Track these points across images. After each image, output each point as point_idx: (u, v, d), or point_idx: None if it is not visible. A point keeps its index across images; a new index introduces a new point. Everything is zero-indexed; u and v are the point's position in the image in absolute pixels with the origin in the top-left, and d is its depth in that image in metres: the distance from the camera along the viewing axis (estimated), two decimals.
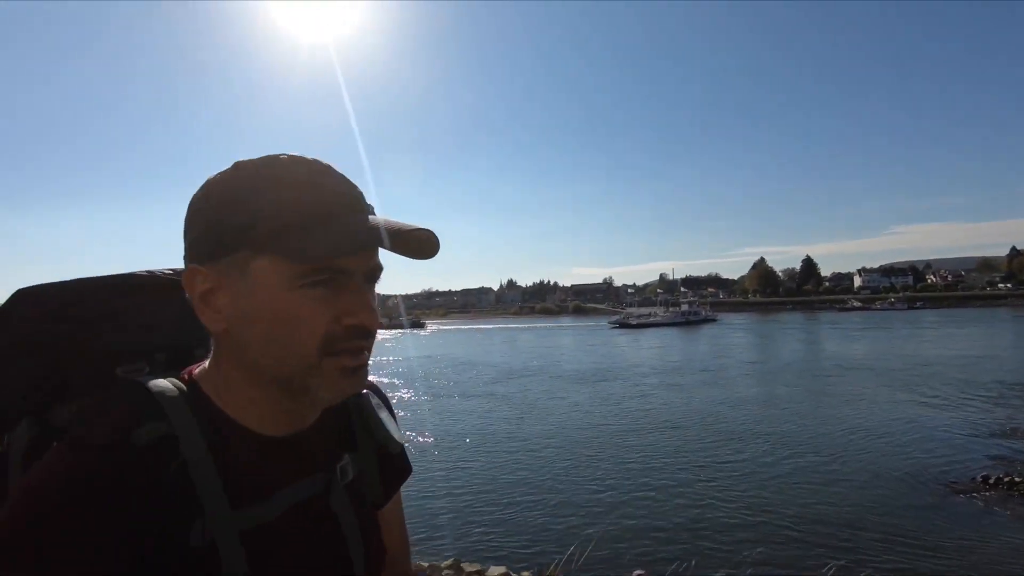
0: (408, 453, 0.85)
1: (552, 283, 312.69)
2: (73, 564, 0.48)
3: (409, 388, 23.35)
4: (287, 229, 0.53)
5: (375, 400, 0.75)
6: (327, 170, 0.58)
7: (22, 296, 0.69)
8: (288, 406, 0.61)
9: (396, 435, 0.74)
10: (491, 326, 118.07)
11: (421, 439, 13.73)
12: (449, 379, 25.85)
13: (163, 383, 0.59)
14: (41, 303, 0.69)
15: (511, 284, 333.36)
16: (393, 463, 0.80)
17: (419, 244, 0.58)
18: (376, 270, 0.60)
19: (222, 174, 0.58)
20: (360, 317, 0.56)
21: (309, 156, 0.59)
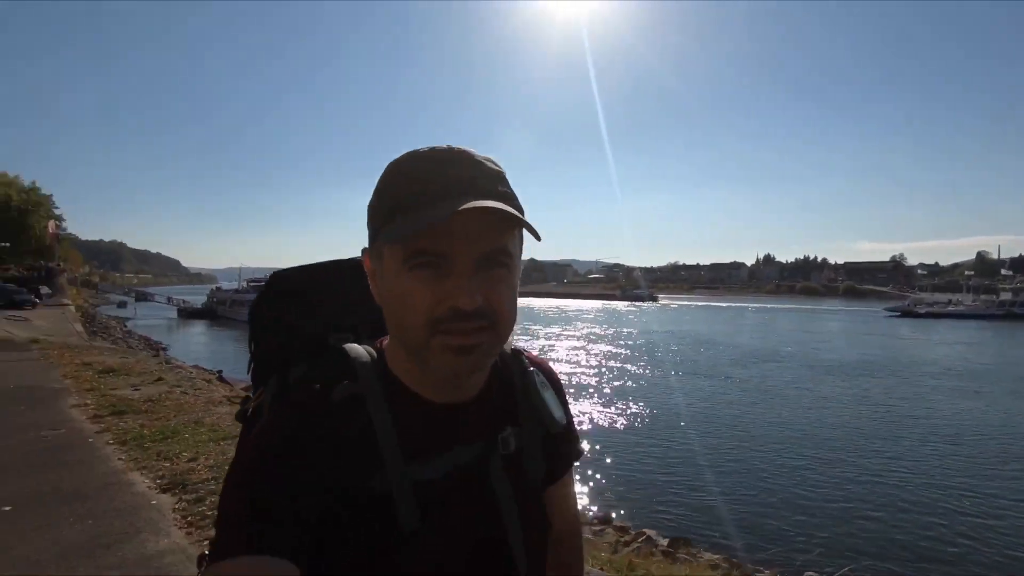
0: (582, 436, 0.92)
1: (819, 259, 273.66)
2: (279, 506, 0.55)
3: (640, 361, 23.08)
4: (398, 215, 0.59)
5: (540, 378, 0.78)
6: (456, 155, 0.61)
7: (274, 278, 0.85)
8: (428, 376, 0.65)
9: (557, 414, 0.76)
10: (741, 304, 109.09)
11: (640, 413, 13.48)
12: (685, 356, 24.91)
13: (359, 349, 0.69)
14: (283, 285, 0.84)
15: (768, 259, 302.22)
16: (560, 444, 0.81)
17: (492, 220, 0.59)
18: (496, 254, 0.60)
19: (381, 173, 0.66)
20: (456, 300, 0.57)
21: (444, 145, 0.62)
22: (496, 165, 0.64)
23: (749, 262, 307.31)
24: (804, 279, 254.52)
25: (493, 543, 0.68)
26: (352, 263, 0.79)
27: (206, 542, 3.17)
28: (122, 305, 54.35)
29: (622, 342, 30.72)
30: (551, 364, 0.87)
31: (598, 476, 9.08)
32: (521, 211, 0.62)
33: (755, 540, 6.83)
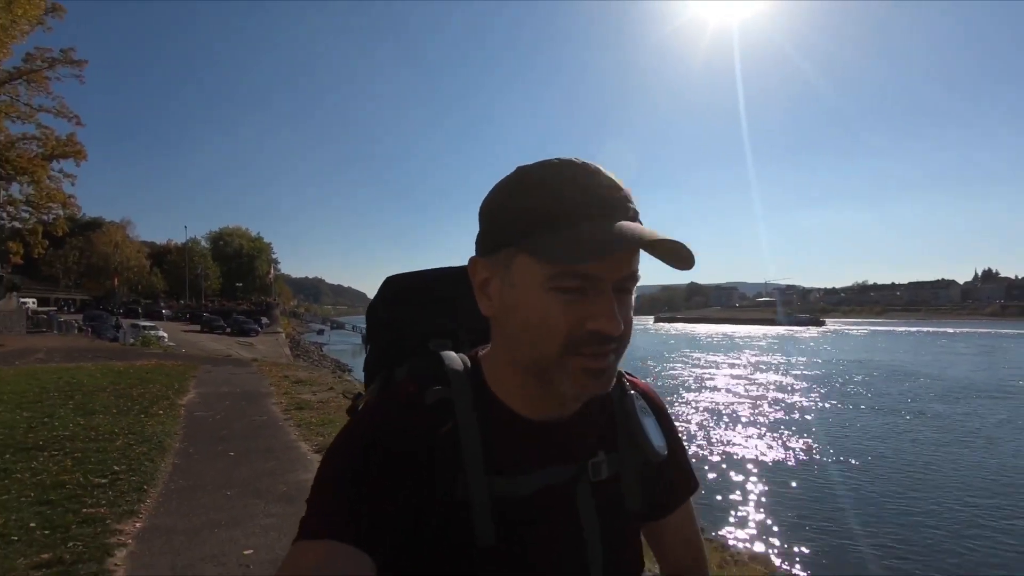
0: (697, 469, 0.86)
1: None
2: (361, 495, 0.57)
3: (815, 393, 20.76)
4: (538, 230, 0.57)
5: (641, 403, 0.74)
6: (590, 173, 0.59)
7: (386, 283, 0.89)
8: (542, 393, 0.64)
9: (657, 443, 0.71)
10: (951, 329, 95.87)
11: (812, 447, 12.25)
12: (871, 389, 21.93)
13: (453, 356, 0.69)
14: (393, 289, 0.88)
15: (988, 275, 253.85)
16: (666, 475, 0.77)
17: (671, 256, 0.58)
18: (629, 279, 0.60)
19: (506, 178, 0.63)
20: (601, 323, 0.56)
21: (581, 160, 0.61)
22: (622, 184, 0.62)
23: (961, 279, 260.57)
24: None
25: (573, 572, 0.66)
26: (461, 272, 0.79)
27: None
28: (320, 332, 64.39)
29: (791, 370, 28.15)
30: (656, 389, 0.82)
31: (750, 517, 8.30)
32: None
33: None
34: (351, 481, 0.58)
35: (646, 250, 0.58)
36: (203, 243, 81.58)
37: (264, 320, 49.36)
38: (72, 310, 51.28)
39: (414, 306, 0.83)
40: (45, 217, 29.14)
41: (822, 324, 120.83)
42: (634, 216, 0.60)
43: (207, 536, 3.72)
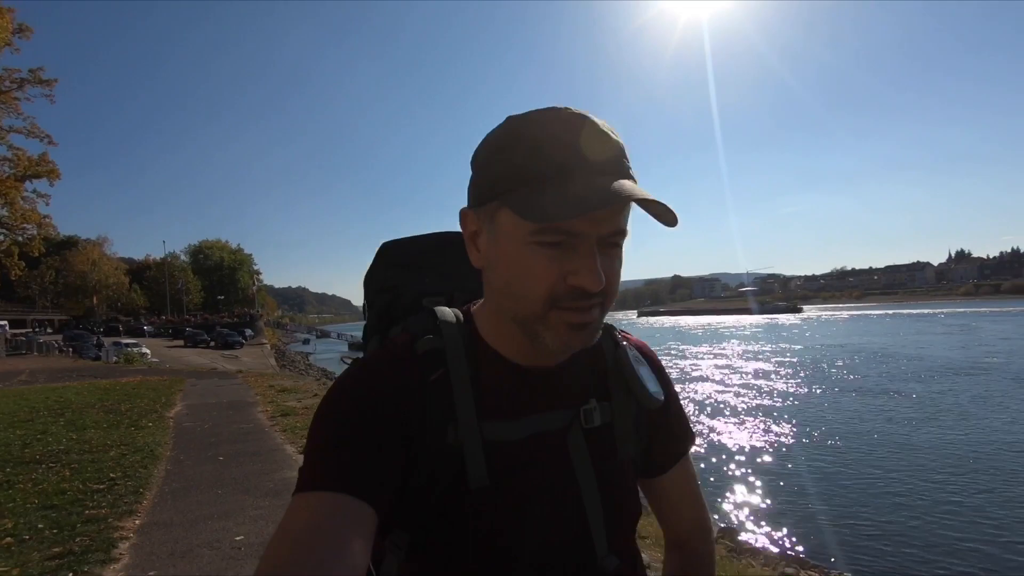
0: (693, 421, 1.35)
1: None
2: (356, 442, 0.57)
3: (796, 377, 21.18)
4: (524, 184, 0.57)
5: (634, 354, 0.75)
6: (581, 125, 0.58)
7: (382, 249, 0.90)
8: (530, 343, 0.63)
9: (652, 389, 0.72)
10: (927, 311, 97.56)
11: (792, 431, 12.55)
12: (852, 371, 22.30)
13: (446, 310, 0.71)
14: (389, 254, 0.89)
15: (961, 256, 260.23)
16: (663, 427, 0.78)
17: (656, 213, 0.57)
18: (614, 234, 0.59)
19: (495, 129, 0.63)
20: (582, 278, 0.56)
21: (576, 109, 0.59)
22: (617, 136, 0.61)
23: (935, 261, 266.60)
24: (1013, 276, 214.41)
25: (569, 517, 0.67)
26: (456, 236, 0.78)
27: None
28: (306, 342, 63.90)
29: (772, 358, 28.55)
30: (647, 344, 0.82)
31: (739, 496, 8.58)
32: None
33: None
34: (346, 432, 0.58)
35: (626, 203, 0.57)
36: (183, 257, 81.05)
37: (248, 332, 49.25)
38: (50, 331, 50.59)
39: (410, 269, 0.86)
40: (19, 237, 29.02)
41: (799, 311, 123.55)
42: (622, 171, 0.59)
43: (201, 527, 4.12)
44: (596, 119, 0.59)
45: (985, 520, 7.38)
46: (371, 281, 0.88)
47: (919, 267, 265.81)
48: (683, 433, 0.81)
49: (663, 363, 0.82)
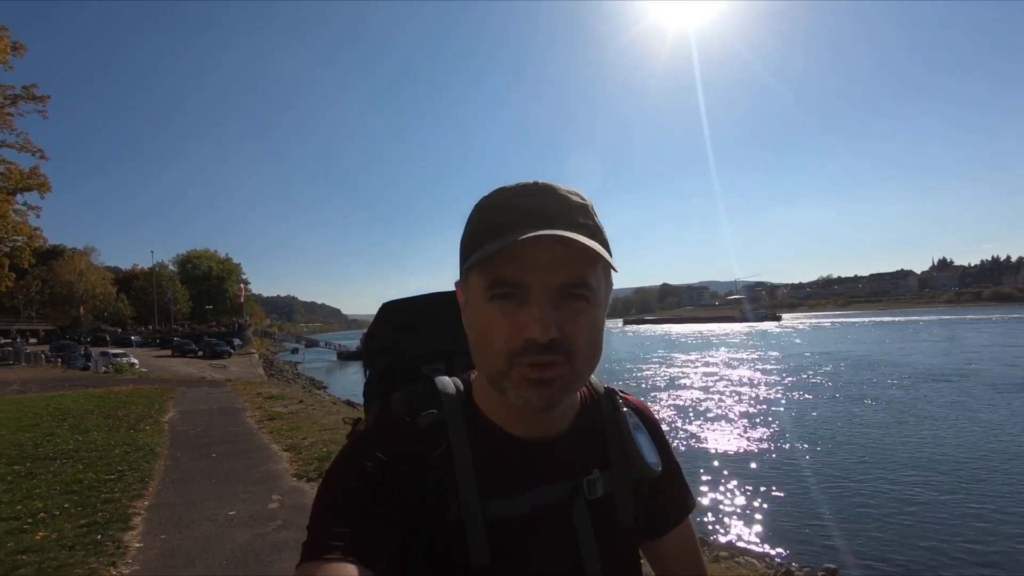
0: (692, 486, 0.83)
1: (1012, 260, 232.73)
2: (362, 513, 0.57)
3: (781, 385, 21.63)
4: (475, 247, 0.62)
5: (634, 420, 0.74)
6: (538, 188, 0.62)
7: (383, 309, 0.91)
8: (519, 410, 0.63)
9: (650, 460, 0.71)
10: (910, 318, 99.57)
11: (773, 435, 12.86)
12: (837, 378, 22.74)
13: (446, 380, 0.71)
14: (389, 315, 0.90)
15: (943, 264, 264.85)
16: (661, 493, 0.78)
17: (578, 252, 0.58)
18: (572, 286, 0.59)
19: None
20: (531, 331, 0.56)
21: (531, 181, 0.63)
22: (581, 198, 0.63)
23: (919, 269, 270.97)
24: (993, 284, 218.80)
25: None
26: (453, 295, 0.77)
27: (298, 465, 6.38)
28: (295, 351, 64.10)
29: (758, 366, 29.10)
30: (649, 405, 0.83)
31: (733, 506, 8.59)
32: (605, 244, 0.63)
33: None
34: (350, 504, 0.58)
35: (546, 242, 0.57)
36: (171, 267, 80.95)
37: (237, 341, 49.53)
38: (34, 341, 50.62)
39: (410, 331, 0.86)
40: (7, 248, 29.49)
41: (779, 319, 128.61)
42: (568, 223, 0.60)
43: (200, 507, 4.97)
44: (559, 186, 0.63)
45: (969, 517, 7.61)
46: (371, 341, 0.89)
47: (903, 275, 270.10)
48: (682, 497, 0.82)
49: (659, 421, 0.83)
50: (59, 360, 32.21)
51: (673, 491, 0.80)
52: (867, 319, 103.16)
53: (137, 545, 4.10)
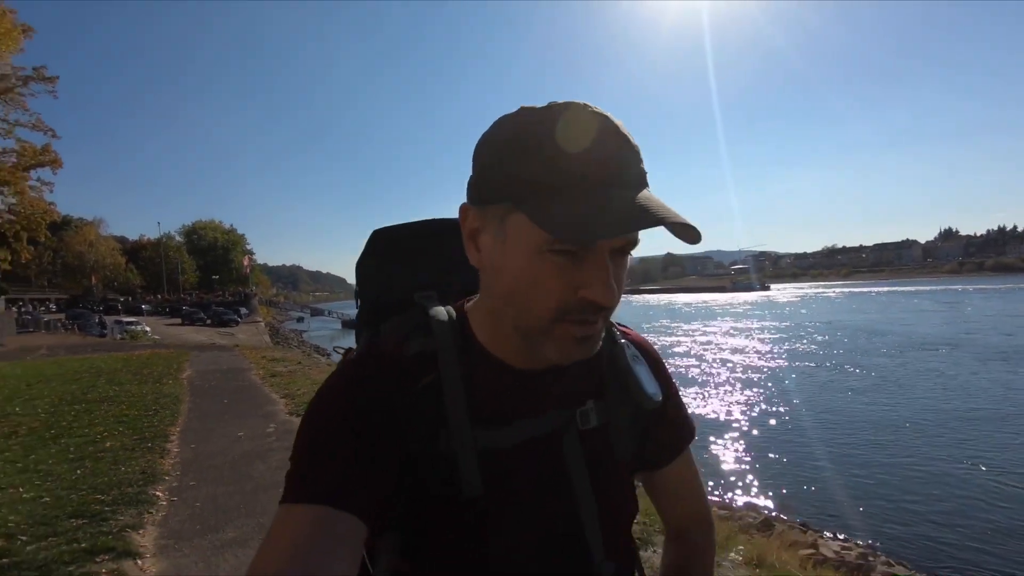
0: (693, 416, 0.81)
1: (1018, 229, 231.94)
2: (346, 460, 0.56)
3: (780, 353, 22.24)
4: (544, 191, 0.52)
5: (632, 351, 0.73)
6: (603, 129, 0.54)
7: (373, 236, 0.85)
8: (528, 348, 0.61)
9: (650, 390, 0.70)
10: (913, 288, 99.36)
11: (781, 401, 13.35)
12: (839, 347, 23.15)
13: (438, 308, 0.68)
14: (380, 243, 0.85)
15: (948, 234, 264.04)
16: (661, 424, 0.76)
17: (681, 234, 0.54)
18: (628, 244, 0.57)
19: (507, 118, 0.57)
20: (595, 292, 0.54)
21: (595, 108, 0.55)
22: (634, 139, 0.56)
23: (922, 239, 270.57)
24: (997, 254, 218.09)
25: (564, 523, 0.66)
26: (450, 224, 0.75)
27: (291, 406, 8.24)
28: (300, 320, 66.04)
29: (757, 334, 29.99)
30: (649, 339, 0.79)
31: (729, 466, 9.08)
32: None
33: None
34: (333, 440, 0.57)
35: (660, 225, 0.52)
36: (177, 238, 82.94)
37: (243, 310, 51.48)
38: (54, 308, 52.84)
39: (402, 259, 0.82)
40: (24, 222, 31.35)
41: (767, 289, 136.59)
42: (644, 182, 0.56)
43: (217, 431, 6.85)
44: (616, 121, 0.55)
45: (964, 487, 7.82)
46: (361, 270, 0.85)
47: (907, 245, 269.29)
48: (682, 428, 0.80)
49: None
50: (76, 327, 34.37)
51: (673, 421, 0.79)
52: (865, 289, 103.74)
53: (176, 449, 6.00)
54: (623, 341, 0.74)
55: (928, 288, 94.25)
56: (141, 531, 3.80)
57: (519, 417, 0.64)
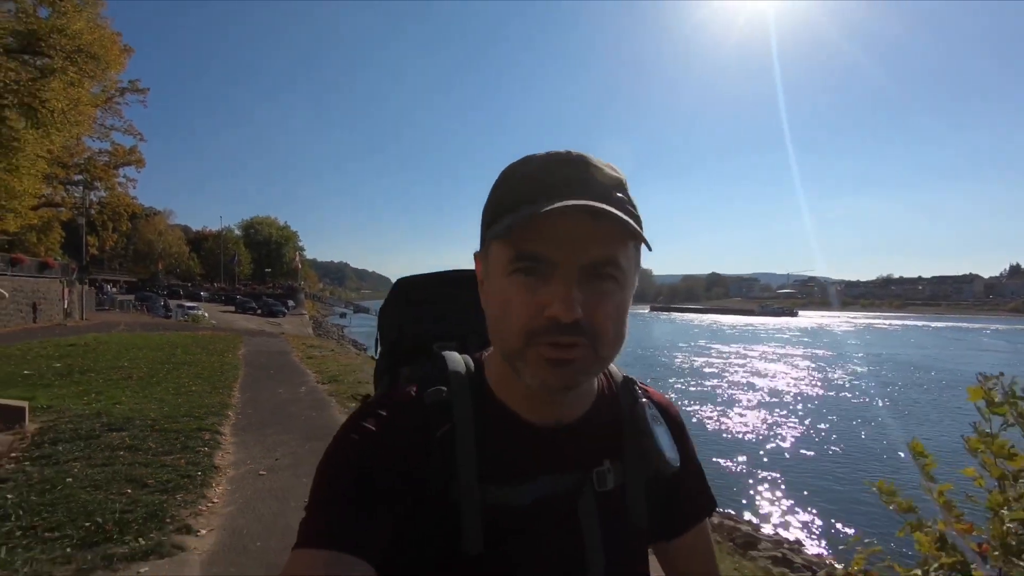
0: (712, 486, 0.78)
1: None
2: (359, 506, 0.56)
3: (814, 383, 22.33)
4: (498, 216, 0.58)
5: (652, 411, 0.70)
6: (570, 158, 0.58)
7: (398, 284, 0.90)
8: (536, 393, 0.60)
9: (669, 454, 0.66)
10: (971, 325, 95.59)
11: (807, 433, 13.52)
12: (883, 382, 23.51)
13: (455, 357, 0.68)
14: (400, 292, 0.89)
15: (1015, 270, 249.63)
16: (679, 491, 0.74)
17: (617, 224, 0.54)
18: (600, 264, 0.55)
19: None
20: (554, 310, 0.53)
21: (563, 150, 0.59)
22: (616, 171, 0.59)
23: (986, 274, 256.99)
24: None
25: None
26: (471, 274, 0.72)
27: (325, 386, 10.83)
28: (343, 315, 68.76)
29: (785, 363, 29.88)
30: (671, 400, 0.78)
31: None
32: (637, 220, 0.58)
33: None
34: (347, 487, 0.57)
35: (586, 213, 0.53)
36: (236, 231, 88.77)
37: (291, 303, 55.08)
38: (126, 290, 57.80)
39: (424, 307, 0.84)
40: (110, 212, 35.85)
41: (795, 315, 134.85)
42: (602, 195, 0.56)
43: (264, 389, 9.52)
44: (592, 157, 0.58)
45: None
46: (384, 316, 0.89)
47: (968, 279, 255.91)
48: (701, 497, 0.77)
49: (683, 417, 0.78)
50: (144, 308, 38.51)
51: (692, 490, 0.76)
52: (913, 323, 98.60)
53: (237, 395, 8.77)
54: (644, 400, 0.71)
55: (993, 327, 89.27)
56: (222, 426, 6.62)
57: (533, 474, 0.63)
